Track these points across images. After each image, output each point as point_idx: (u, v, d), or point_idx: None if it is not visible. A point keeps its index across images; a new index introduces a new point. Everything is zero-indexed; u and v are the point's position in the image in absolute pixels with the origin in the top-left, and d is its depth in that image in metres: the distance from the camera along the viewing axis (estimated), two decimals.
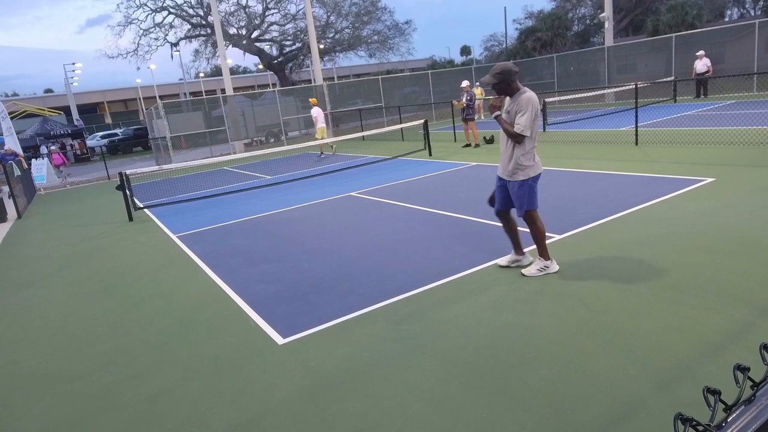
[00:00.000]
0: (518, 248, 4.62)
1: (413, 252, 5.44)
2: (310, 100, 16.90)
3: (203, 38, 30.84)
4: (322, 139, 15.33)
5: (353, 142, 18.50)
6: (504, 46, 37.84)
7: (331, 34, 31.28)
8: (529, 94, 4.08)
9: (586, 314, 3.62)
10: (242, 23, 30.01)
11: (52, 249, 8.00)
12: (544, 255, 4.35)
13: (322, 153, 16.47)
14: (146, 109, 33.22)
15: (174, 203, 10.58)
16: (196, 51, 32.26)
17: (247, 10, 29.44)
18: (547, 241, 5.20)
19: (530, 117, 4.02)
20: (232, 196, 10.56)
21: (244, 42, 29.68)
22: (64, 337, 4.46)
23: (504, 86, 4.16)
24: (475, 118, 13.51)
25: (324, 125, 15.87)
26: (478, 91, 20.69)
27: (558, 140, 12.54)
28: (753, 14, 34.62)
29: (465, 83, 13.53)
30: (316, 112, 15.87)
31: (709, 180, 6.86)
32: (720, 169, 7.43)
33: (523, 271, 4.42)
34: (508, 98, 4.27)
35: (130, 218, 9.34)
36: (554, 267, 4.36)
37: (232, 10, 29.32)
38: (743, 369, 0.75)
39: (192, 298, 5.02)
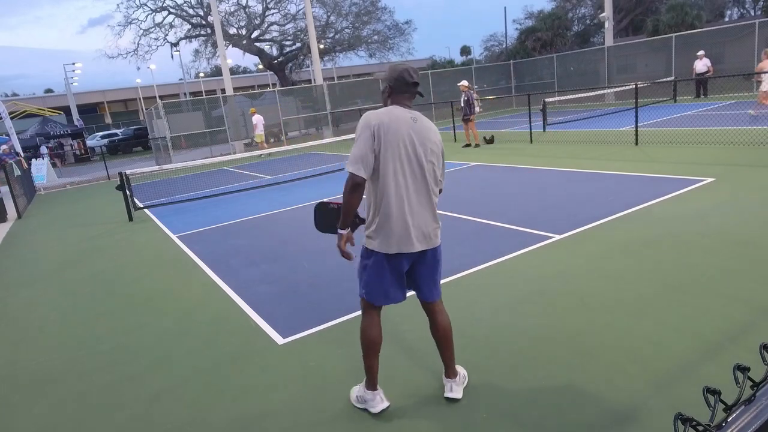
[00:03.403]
0: (447, 365, 2.89)
1: None
2: (250, 110, 18.76)
3: (203, 38, 30.83)
4: (261, 144, 17.55)
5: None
6: (504, 46, 37.85)
7: (331, 34, 31.28)
8: (365, 115, 2.55)
9: (586, 314, 3.62)
10: (242, 23, 30.02)
11: (52, 249, 8.00)
12: (367, 382, 2.81)
13: (261, 156, 17.75)
14: (146, 109, 33.22)
15: (174, 203, 10.58)
16: (196, 51, 32.30)
17: (247, 10, 29.45)
18: (547, 242, 5.24)
19: (358, 146, 2.50)
20: (232, 196, 10.56)
21: (244, 42, 29.68)
22: (64, 337, 4.46)
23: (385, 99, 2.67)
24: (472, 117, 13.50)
25: (262, 132, 17.88)
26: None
27: (558, 140, 12.55)
28: (753, 14, 34.62)
29: (464, 83, 13.52)
30: (256, 120, 17.83)
31: (709, 180, 6.86)
32: (720, 169, 7.43)
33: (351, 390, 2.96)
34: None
35: (130, 218, 9.34)
36: (377, 405, 2.74)
37: (232, 10, 29.33)
38: (743, 369, 0.76)
39: (192, 298, 5.01)
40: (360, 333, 2.75)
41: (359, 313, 4.04)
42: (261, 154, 17.19)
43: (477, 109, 13.77)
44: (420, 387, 3.00)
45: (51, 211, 12.25)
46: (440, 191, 2.75)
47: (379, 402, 2.75)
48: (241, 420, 2.91)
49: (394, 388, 2.99)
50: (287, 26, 30.95)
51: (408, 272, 2.70)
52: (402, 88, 2.60)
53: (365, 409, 2.80)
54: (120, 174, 9.42)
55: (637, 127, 10.50)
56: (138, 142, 30.93)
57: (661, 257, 4.48)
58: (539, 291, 4.10)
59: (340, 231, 2.60)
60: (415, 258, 2.64)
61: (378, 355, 2.75)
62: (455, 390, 2.84)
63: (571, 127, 14.89)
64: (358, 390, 2.89)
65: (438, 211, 2.75)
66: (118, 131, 35.36)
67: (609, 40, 22.30)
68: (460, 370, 2.97)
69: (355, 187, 2.49)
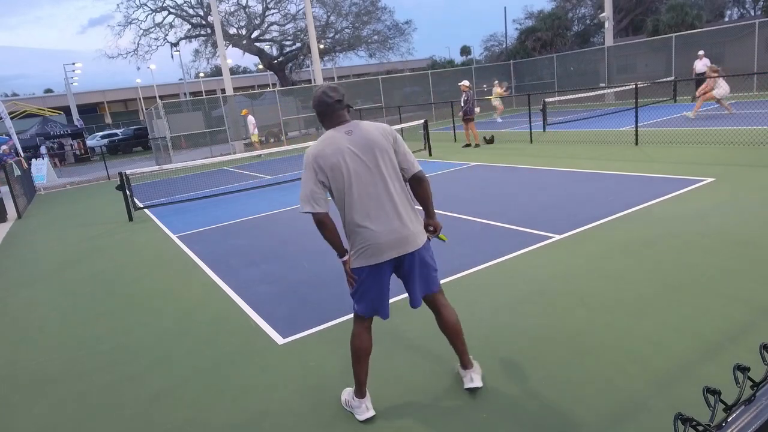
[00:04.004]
0: (461, 357, 2.93)
1: None
2: (242, 111, 19.02)
3: (203, 38, 30.83)
4: (256, 144, 18.04)
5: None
6: (504, 46, 37.86)
7: (331, 34, 31.27)
8: (305, 153, 2.58)
9: (586, 314, 3.62)
10: (242, 23, 30.02)
11: (52, 249, 8.00)
12: (355, 388, 2.81)
13: (260, 156, 17.89)
14: (146, 109, 33.23)
15: (174, 203, 10.58)
16: (196, 51, 32.29)
17: (247, 10, 29.45)
18: (547, 242, 5.24)
19: (303, 185, 2.53)
20: (232, 196, 10.56)
21: (244, 42, 29.68)
22: (64, 337, 4.46)
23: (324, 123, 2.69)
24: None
25: (255, 132, 18.23)
26: (500, 90, 18.98)
27: (558, 140, 12.55)
28: (753, 14, 34.62)
29: (464, 83, 13.52)
30: (250, 121, 18.25)
31: (709, 180, 6.86)
32: (720, 169, 7.43)
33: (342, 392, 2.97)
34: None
35: (130, 218, 9.34)
36: (362, 414, 2.74)
37: (232, 10, 29.33)
38: (743, 369, 0.75)
39: (192, 298, 5.01)
40: (350, 340, 2.77)
41: None
42: (260, 155, 17.29)
43: (477, 109, 13.75)
44: (420, 387, 3.00)
45: (51, 211, 12.25)
46: (418, 176, 2.66)
47: (365, 411, 2.76)
48: (241, 420, 2.91)
49: (394, 388, 3.00)
50: (287, 26, 30.97)
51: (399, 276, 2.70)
52: (326, 110, 2.61)
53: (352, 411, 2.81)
54: (120, 174, 9.42)
55: (637, 127, 10.50)
56: (138, 142, 30.94)
57: (661, 257, 4.48)
58: (539, 291, 4.10)
59: (340, 260, 2.65)
60: (395, 264, 2.62)
61: (366, 363, 2.77)
62: (475, 380, 2.84)
63: (571, 127, 14.89)
64: (347, 394, 2.90)
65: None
66: (118, 131, 35.37)
67: (609, 40, 22.30)
68: (474, 361, 2.97)
69: (319, 224, 2.53)
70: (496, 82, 19.98)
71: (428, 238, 2.73)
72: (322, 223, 2.52)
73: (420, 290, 2.72)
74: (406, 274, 2.66)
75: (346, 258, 2.62)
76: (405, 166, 2.65)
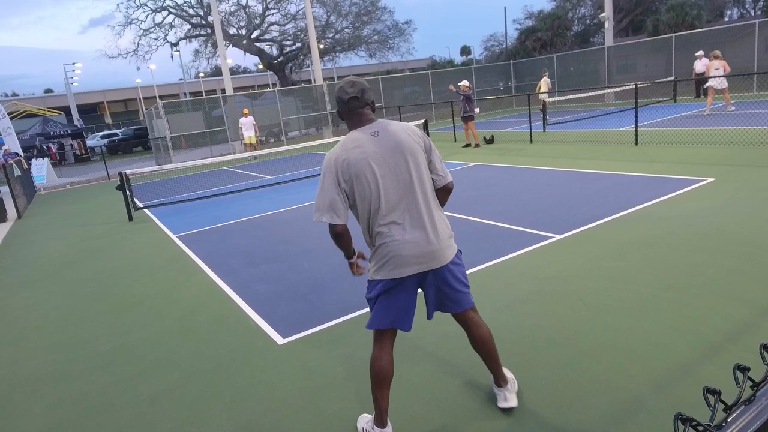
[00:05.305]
0: (494, 374, 2.72)
1: None
2: (244, 111, 18.48)
3: (203, 38, 30.84)
4: (250, 145, 17.58)
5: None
6: (504, 46, 37.86)
7: (331, 34, 31.28)
8: (326, 156, 2.36)
9: (586, 314, 3.62)
10: (242, 23, 30.03)
11: (52, 249, 8.00)
12: (375, 416, 2.56)
13: (255, 158, 17.82)
14: (146, 109, 33.21)
15: (174, 203, 10.58)
16: (196, 51, 32.29)
17: (247, 10, 29.46)
18: (547, 242, 5.24)
19: (323, 193, 2.31)
20: (232, 196, 10.56)
21: (244, 42, 29.68)
22: (64, 337, 4.46)
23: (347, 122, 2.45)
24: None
25: (252, 133, 17.69)
26: (545, 84, 17.61)
27: (558, 140, 12.55)
28: (753, 14, 34.61)
29: (464, 83, 13.51)
30: (247, 121, 17.80)
31: (709, 180, 6.86)
32: (720, 169, 7.43)
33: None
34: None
35: (130, 218, 9.34)
36: None
37: (232, 10, 29.34)
38: (743, 369, 0.75)
39: (192, 298, 5.01)
40: (369, 363, 2.53)
41: (359, 312, 4.06)
42: (248, 156, 17.06)
43: (477, 109, 13.75)
44: (418, 387, 3.00)
45: (51, 211, 12.25)
46: (448, 186, 2.47)
47: None
48: (241, 420, 2.91)
49: (393, 389, 2.99)
50: (287, 26, 30.98)
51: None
52: (343, 108, 2.38)
53: None
54: (120, 174, 9.42)
55: (637, 127, 10.50)
56: (138, 142, 30.96)
57: (661, 257, 4.48)
58: (539, 291, 4.10)
59: (349, 261, 2.57)
60: (420, 279, 2.41)
61: (388, 389, 2.52)
62: (509, 398, 2.66)
63: (571, 127, 14.89)
64: (364, 422, 2.63)
65: None
66: (118, 131, 35.38)
67: (609, 40, 22.30)
68: (508, 374, 2.78)
69: (337, 236, 2.36)
70: (547, 73, 18.58)
71: (459, 251, 2.52)
72: (341, 235, 2.34)
73: (434, 307, 2.50)
74: (426, 289, 2.45)
75: (353, 260, 2.53)
76: (439, 174, 2.43)
